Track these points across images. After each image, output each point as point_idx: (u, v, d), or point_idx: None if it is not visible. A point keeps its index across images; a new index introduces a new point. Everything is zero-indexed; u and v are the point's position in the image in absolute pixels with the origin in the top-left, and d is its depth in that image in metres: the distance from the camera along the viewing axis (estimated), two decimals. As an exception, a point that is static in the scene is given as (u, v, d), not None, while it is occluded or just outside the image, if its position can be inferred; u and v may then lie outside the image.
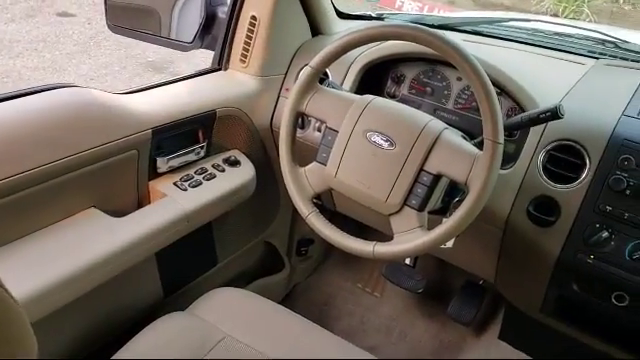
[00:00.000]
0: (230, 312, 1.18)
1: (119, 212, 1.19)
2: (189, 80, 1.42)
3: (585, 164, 1.12)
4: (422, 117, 1.07)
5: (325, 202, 1.61)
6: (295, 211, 1.15)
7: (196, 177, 1.33)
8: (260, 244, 1.77)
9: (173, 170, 1.32)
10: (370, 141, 1.07)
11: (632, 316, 1.13)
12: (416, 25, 1.04)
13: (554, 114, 1.03)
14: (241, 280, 1.74)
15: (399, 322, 1.89)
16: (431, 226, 1.04)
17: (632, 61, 1.43)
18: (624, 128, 1.11)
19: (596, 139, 1.11)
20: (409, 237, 1.04)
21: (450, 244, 1.21)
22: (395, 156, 1.05)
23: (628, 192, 1.07)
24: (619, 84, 1.28)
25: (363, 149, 1.07)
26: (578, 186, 1.12)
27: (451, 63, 1.01)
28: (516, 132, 1.25)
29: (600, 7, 7.10)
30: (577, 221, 1.11)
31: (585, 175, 1.11)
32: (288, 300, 1.96)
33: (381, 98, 1.12)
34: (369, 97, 1.11)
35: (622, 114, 1.14)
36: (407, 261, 1.78)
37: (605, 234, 1.09)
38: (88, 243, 1.08)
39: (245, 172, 1.42)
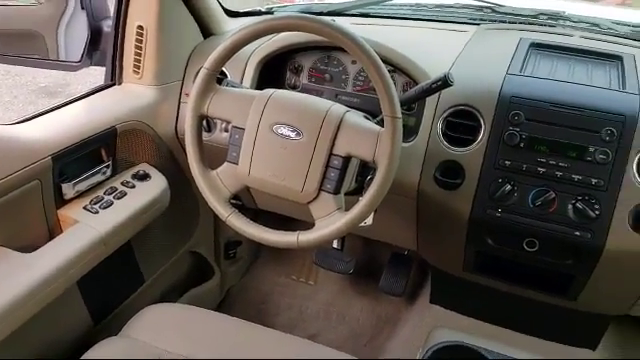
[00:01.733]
0: (165, 328, 1.16)
1: (31, 247, 1.14)
2: (83, 100, 1.37)
3: (480, 125, 1.19)
4: (324, 103, 1.10)
5: (245, 201, 1.60)
6: (216, 215, 1.15)
7: (106, 198, 1.29)
8: (186, 255, 1.74)
9: (81, 194, 1.27)
10: (277, 134, 1.08)
11: (544, 258, 1.22)
12: (303, 15, 1.06)
13: (444, 82, 1.08)
14: (173, 294, 1.71)
15: (336, 305, 1.93)
16: (349, 207, 1.07)
17: (509, 22, 1.53)
18: (510, 86, 1.19)
19: (486, 100, 1.18)
20: (330, 221, 1.07)
21: (370, 221, 1.24)
22: (304, 145, 1.06)
23: (522, 145, 1.15)
24: (500, 46, 1.37)
25: (272, 143, 1.08)
26: (477, 147, 1.18)
27: (345, 49, 1.04)
28: (414, 105, 1.30)
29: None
30: (481, 179, 1.18)
31: (482, 136, 1.18)
32: (224, 306, 1.95)
33: (282, 90, 1.13)
34: (270, 91, 1.12)
35: (506, 73, 1.22)
36: (335, 245, 1.80)
37: (508, 187, 1.16)
38: (2, 284, 1.03)
39: (156, 185, 1.39)
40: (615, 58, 1.31)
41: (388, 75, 1.01)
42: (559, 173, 1.13)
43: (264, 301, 1.96)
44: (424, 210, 1.31)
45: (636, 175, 1.09)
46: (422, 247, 1.47)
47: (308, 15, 1.05)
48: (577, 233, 1.13)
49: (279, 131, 1.07)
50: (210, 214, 1.76)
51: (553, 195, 1.14)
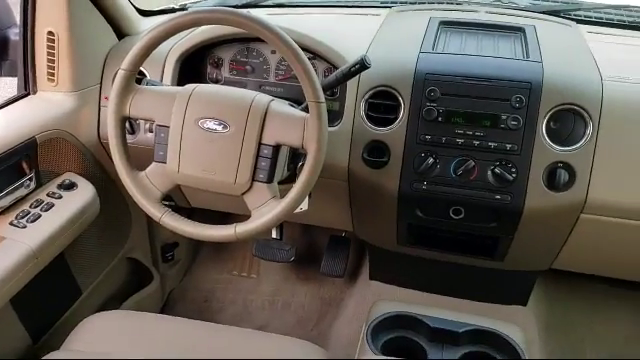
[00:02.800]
0: (108, 336, 1.14)
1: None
2: (-3, 113, 1.32)
3: (400, 104, 1.24)
4: (248, 94, 1.11)
5: (178, 201, 1.59)
6: (150, 219, 1.14)
7: (33, 211, 1.24)
8: (123, 261, 1.71)
9: (5, 210, 1.23)
10: (204, 128, 1.08)
11: (470, 224, 1.29)
12: (219, 8, 1.07)
13: (362, 65, 1.12)
14: (113, 303, 1.68)
15: (280, 294, 1.95)
16: (285, 195, 1.09)
17: (419, 3, 1.59)
18: (424, 64, 1.24)
19: (403, 80, 1.23)
20: (265, 210, 1.08)
21: (305, 206, 1.27)
22: (232, 137, 1.07)
23: (440, 119, 1.21)
24: (412, 26, 1.42)
25: (199, 138, 1.08)
26: (399, 125, 1.23)
27: (263, 39, 1.06)
28: (336, 90, 1.34)
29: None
30: (405, 155, 1.23)
31: (402, 114, 1.23)
32: (166, 309, 1.93)
33: (203, 84, 1.14)
34: (192, 86, 1.12)
35: (419, 52, 1.27)
36: (274, 235, 1.83)
37: (431, 160, 1.22)
38: None
39: (84, 193, 1.36)
40: (518, 30, 1.39)
41: (308, 62, 1.03)
42: (476, 142, 1.20)
43: (207, 299, 1.95)
44: (356, 190, 1.35)
45: (545, 137, 1.17)
46: (357, 227, 1.52)
47: (224, 8, 1.06)
48: (498, 197, 1.20)
49: (205, 125, 1.08)
50: (143, 218, 1.74)
51: (473, 163, 1.20)
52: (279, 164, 1.11)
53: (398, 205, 1.30)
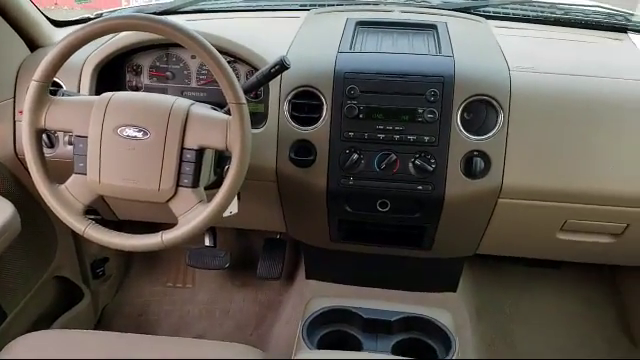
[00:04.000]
0: (38, 356, 1.10)
1: None
2: None
3: (323, 103, 1.26)
4: (167, 99, 1.10)
5: (104, 214, 1.55)
6: (76, 234, 1.10)
7: (-53, 234, 1.18)
8: (51, 280, 1.65)
9: None
10: (123, 136, 1.06)
11: (396, 215, 1.33)
12: (136, 14, 1.06)
13: (282, 66, 1.14)
14: (42, 324, 1.61)
15: (218, 302, 1.94)
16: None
17: (337, 5, 1.63)
18: (343, 63, 1.27)
19: (324, 79, 1.26)
20: (192, 215, 1.08)
21: (235, 209, 1.27)
22: (153, 143, 1.06)
23: (361, 116, 1.24)
24: (330, 27, 1.45)
25: (119, 146, 1.06)
26: (323, 123, 1.26)
27: (181, 45, 1.05)
28: (260, 92, 1.35)
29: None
30: (331, 153, 1.26)
31: (325, 112, 1.26)
32: (100, 326, 1.87)
33: (121, 92, 1.12)
34: (109, 94, 1.10)
35: (338, 52, 1.31)
36: (207, 242, 1.81)
37: (355, 156, 1.25)
38: None
39: (2, 212, 1.30)
40: (431, 27, 1.45)
41: (226, 64, 1.04)
42: (397, 136, 1.24)
43: (142, 313, 1.91)
44: (285, 191, 1.37)
45: (461, 128, 1.23)
46: (291, 227, 1.53)
47: (139, 14, 1.05)
48: (420, 187, 1.25)
49: (124, 133, 1.06)
50: (69, 234, 1.68)
51: (394, 157, 1.24)
52: (204, 168, 1.11)
53: (327, 202, 1.33)
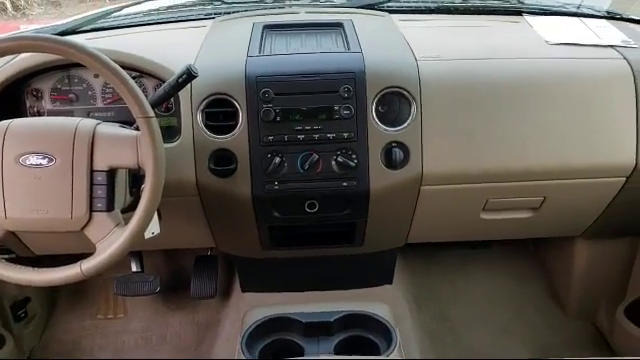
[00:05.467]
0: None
1: None
2: None
3: (237, 110, 1.24)
4: (70, 121, 1.04)
5: (17, 250, 1.45)
6: None
7: None
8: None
9: None
10: (27, 165, 1.00)
11: (326, 215, 1.32)
12: (24, 34, 1.00)
13: (189, 75, 1.10)
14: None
15: (153, 329, 1.86)
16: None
17: (243, 11, 1.61)
18: (253, 67, 1.25)
19: (236, 85, 1.23)
20: (110, 240, 1.02)
21: (157, 230, 1.23)
22: (60, 169, 1.00)
23: (278, 119, 1.23)
24: (237, 33, 1.43)
25: (23, 176, 1.00)
26: (240, 130, 1.23)
27: (81, 64, 1.00)
28: (171, 105, 1.30)
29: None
30: (252, 159, 1.24)
31: (241, 119, 1.23)
32: (29, 369, 1.75)
33: (19, 119, 1.05)
34: (5, 122, 1.03)
35: (247, 56, 1.29)
36: (134, 268, 1.74)
37: (277, 160, 1.23)
38: None
39: None
40: (337, 25, 1.46)
41: (129, 79, 1.00)
42: (316, 135, 1.23)
43: (74, 349, 1.80)
44: (209, 204, 1.33)
45: (377, 121, 1.24)
46: (220, 241, 1.49)
47: (32, 34, 0.99)
48: (345, 184, 1.25)
49: (27, 162, 0.99)
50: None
51: (317, 156, 1.24)
52: (118, 190, 1.06)
53: (254, 210, 1.30)
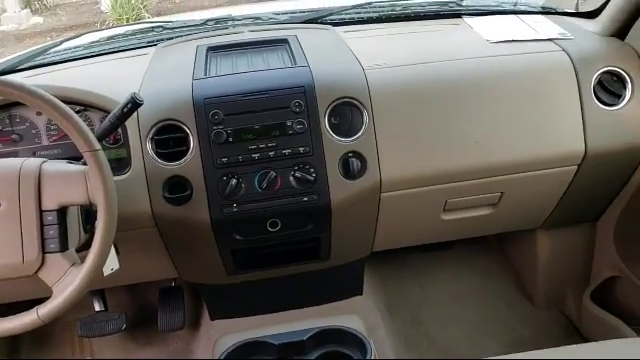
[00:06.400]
0: None
1: None
2: None
3: (188, 134, 1.21)
4: (13, 162, 1.00)
5: (-33, 304, 1.38)
6: None
7: None
8: None
9: None
10: None
11: (289, 232, 1.31)
12: None
13: (134, 103, 1.08)
14: None
15: None
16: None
17: (185, 36, 1.59)
18: (200, 90, 1.24)
19: (184, 109, 1.21)
20: (67, 282, 0.98)
21: (116, 265, 1.19)
22: (7, 213, 0.96)
23: (231, 139, 1.21)
24: (181, 57, 1.41)
25: None
26: (192, 155, 1.21)
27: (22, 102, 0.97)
28: (119, 136, 1.27)
29: (158, 7, 7.60)
30: (207, 183, 1.21)
31: (192, 143, 1.21)
32: None
33: None
34: None
35: (193, 79, 1.27)
36: (97, 307, 1.69)
37: (234, 181, 1.21)
38: None
39: None
40: (282, 42, 1.45)
41: (72, 113, 0.97)
42: (271, 153, 1.22)
43: (40, 400, 1.73)
44: (168, 234, 1.30)
45: (331, 133, 1.24)
46: (183, 271, 1.46)
47: None
48: (305, 199, 1.24)
49: None
50: None
51: (274, 174, 1.22)
52: (71, 228, 1.02)
53: (215, 235, 1.27)
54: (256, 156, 1.22)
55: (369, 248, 1.48)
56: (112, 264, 1.15)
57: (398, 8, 1.64)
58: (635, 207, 1.45)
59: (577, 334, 1.71)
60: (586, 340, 1.09)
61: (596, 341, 1.10)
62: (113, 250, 1.14)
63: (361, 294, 1.68)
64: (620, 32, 1.43)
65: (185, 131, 1.21)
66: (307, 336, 1.23)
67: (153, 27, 1.60)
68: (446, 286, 1.90)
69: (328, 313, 1.49)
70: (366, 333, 1.25)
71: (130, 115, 1.11)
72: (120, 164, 1.23)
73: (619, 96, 1.35)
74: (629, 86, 1.35)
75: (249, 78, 1.28)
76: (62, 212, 0.99)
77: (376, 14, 1.65)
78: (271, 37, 1.49)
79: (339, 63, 1.35)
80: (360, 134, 1.25)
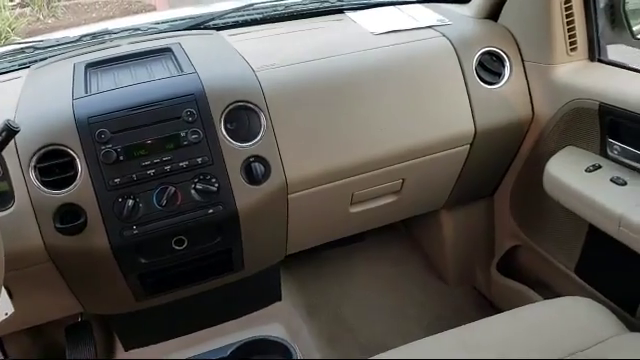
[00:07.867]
0: None
1: None
2: None
3: (74, 158, 1.13)
4: None
5: None
6: None
7: None
8: None
9: None
10: None
11: (198, 248, 1.25)
12: None
13: (9, 131, 0.98)
14: None
15: None
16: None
17: (59, 54, 1.48)
18: (82, 109, 1.15)
19: (66, 131, 1.13)
20: None
21: (10, 309, 1.10)
22: None
23: (122, 158, 1.14)
24: (57, 77, 1.31)
25: None
26: (81, 179, 1.12)
27: None
28: None
29: (28, 29, 7.14)
30: (102, 208, 1.13)
31: (80, 167, 1.13)
32: None
33: None
34: None
35: (73, 99, 1.18)
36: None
37: (130, 202, 1.14)
38: None
39: None
40: (165, 50, 1.39)
41: None
42: (167, 167, 1.16)
43: None
44: (66, 266, 1.20)
45: (229, 139, 1.20)
46: (87, 303, 1.36)
47: None
48: (211, 211, 1.19)
49: None
50: None
51: (173, 189, 1.17)
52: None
53: (118, 261, 1.19)
54: (151, 172, 1.16)
55: (283, 252, 1.46)
56: (6, 308, 1.06)
57: (280, 8, 1.63)
58: (525, 178, 1.54)
59: (490, 306, 1.79)
60: (498, 310, 1.14)
61: (508, 310, 1.15)
62: (5, 293, 1.04)
63: (280, 300, 1.65)
64: (493, 14, 1.51)
65: (71, 155, 1.13)
66: (229, 352, 1.18)
67: (23, 48, 1.48)
68: (363, 278, 1.92)
69: (249, 324, 1.45)
70: (289, 338, 1.23)
71: (6, 144, 1.00)
72: (2, 199, 1.12)
73: (499, 74, 1.43)
74: (507, 64, 1.43)
75: (134, 91, 1.21)
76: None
77: (259, 15, 1.63)
78: (153, 47, 1.42)
79: (228, 67, 1.31)
80: (259, 137, 1.22)
